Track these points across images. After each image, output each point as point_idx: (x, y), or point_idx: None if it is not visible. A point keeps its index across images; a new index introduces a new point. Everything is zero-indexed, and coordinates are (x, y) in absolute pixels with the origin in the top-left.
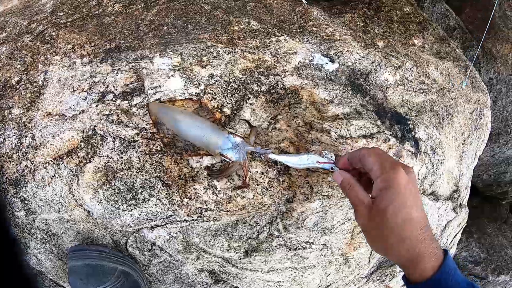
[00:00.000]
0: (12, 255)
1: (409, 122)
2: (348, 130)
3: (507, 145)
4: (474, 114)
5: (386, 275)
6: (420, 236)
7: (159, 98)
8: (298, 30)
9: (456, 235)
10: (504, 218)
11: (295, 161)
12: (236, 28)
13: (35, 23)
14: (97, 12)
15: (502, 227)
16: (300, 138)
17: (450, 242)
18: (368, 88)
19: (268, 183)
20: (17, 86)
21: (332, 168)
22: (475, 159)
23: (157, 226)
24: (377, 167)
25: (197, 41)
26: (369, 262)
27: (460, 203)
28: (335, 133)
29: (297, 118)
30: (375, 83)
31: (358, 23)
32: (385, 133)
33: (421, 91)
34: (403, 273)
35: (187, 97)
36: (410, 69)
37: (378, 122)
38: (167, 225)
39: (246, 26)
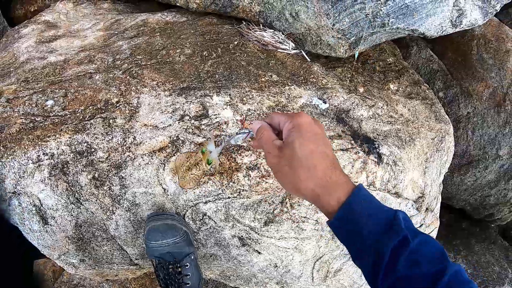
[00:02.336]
0: None
1: (375, 143)
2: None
3: (487, 170)
4: (436, 139)
5: None
6: (330, 167)
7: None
8: (303, 81)
9: None
10: (493, 240)
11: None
12: (263, 79)
13: (120, 61)
14: (168, 60)
15: (490, 247)
16: None
17: None
18: (348, 120)
19: None
20: (117, 105)
21: (250, 133)
22: (440, 175)
23: (210, 201)
24: (284, 117)
25: (239, 87)
26: None
27: (426, 208)
28: None
29: None
30: (353, 117)
31: (346, 74)
32: (357, 149)
33: (389, 122)
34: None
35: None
36: (381, 107)
37: (352, 142)
38: (216, 200)
39: (269, 78)
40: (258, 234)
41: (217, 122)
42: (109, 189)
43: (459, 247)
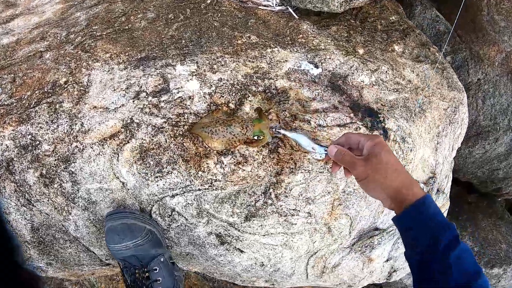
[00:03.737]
0: None
1: (380, 116)
2: (325, 120)
3: (497, 142)
4: (449, 110)
5: (366, 246)
6: (407, 172)
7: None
8: (290, 42)
9: None
10: (500, 214)
11: (298, 137)
12: (239, 41)
13: (73, 34)
14: (127, 27)
15: (497, 223)
16: (287, 126)
17: None
18: (346, 88)
19: (262, 159)
20: (65, 86)
21: (325, 150)
22: (452, 151)
23: (177, 194)
24: (363, 136)
25: (209, 53)
26: (349, 233)
27: (437, 189)
28: (314, 122)
29: (285, 111)
30: (352, 84)
31: (342, 33)
32: (357, 123)
33: (395, 90)
34: (390, 219)
35: (212, 110)
36: (386, 72)
37: (352, 115)
38: (184, 193)
39: (247, 40)
40: (239, 230)
41: (179, 98)
42: (60, 187)
43: (466, 223)
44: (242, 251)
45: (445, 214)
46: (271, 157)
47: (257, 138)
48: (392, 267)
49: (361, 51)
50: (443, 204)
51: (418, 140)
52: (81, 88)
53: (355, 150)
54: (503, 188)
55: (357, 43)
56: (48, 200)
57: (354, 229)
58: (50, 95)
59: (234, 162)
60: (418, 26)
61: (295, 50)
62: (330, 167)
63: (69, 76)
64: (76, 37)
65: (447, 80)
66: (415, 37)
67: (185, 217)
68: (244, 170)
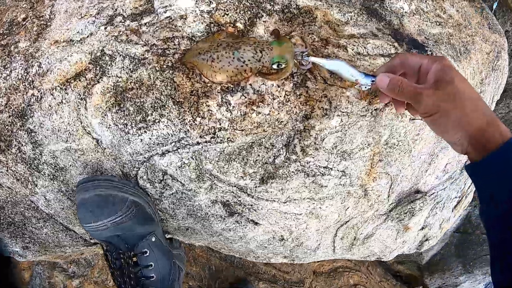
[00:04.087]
0: None
1: (426, 49)
2: (365, 48)
3: None
4: (491, 55)
5: (406, 213)
6: (487, 105)
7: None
8: None
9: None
10: None
11: (336, 66)
12: None
13: None
14: None
15: None
16: (317, 52)
17: (467, 190)
18: (384, 13)
19: (284, 97)
20: (24, 23)
21: (373, 80)
22: (492, 103)
23: (168, 151)
24: (426, 59)
25: None
26: (388, 196)
27: None
28: (352, 50)
29: (312, 34)
30: (391, 9)
31: None
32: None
33: (438, 23)
34: (464, 165)
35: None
36: (426, 1)
37: (396, 44)
38: (178, 150)
39: None
40: (252, 197)
41: (167, 18)
42: (18, 152)
43: None
44: (256, 223)
45: None
46: (297, 93)
47: (277, 66)
48: (424, 236)
49: None
50: None
51: None
52: (42, 22)
53: (412, 77)
54: None
55: None
56: (7, 170)
57: (393, 191)
58: (5, 36)
59: (246, 102)
60: None
61: None
62: (377, 102)
63: (29, 11)
64: None
65: (488, 21)
66: None
67: (181, 182)
68: (259, 113)
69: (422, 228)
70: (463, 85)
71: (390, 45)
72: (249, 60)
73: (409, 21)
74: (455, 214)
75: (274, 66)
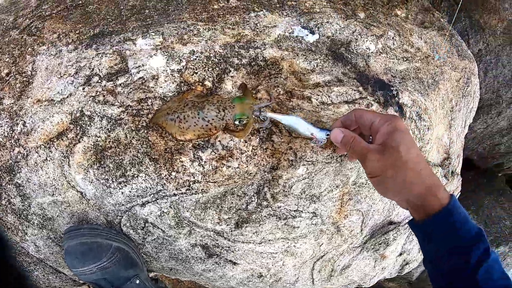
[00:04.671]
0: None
1: (392, 88)
2: (329, 96)
3: (500, 116)
4: (461, 82)
5: (380, 244)
6: (431, 170)
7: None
8: (278, 5)
9: None
10: (501, 190)
11: (292, 121)
12: (215, 6)
13: (21, 18)
14: (80, 2)
15: (499, 199)
16: (281, 106)
17: None
18: (349, 57)
19: (251, 151)
20: (7, 78)
21: (328, 134)
22: (465, 127)
23: (148, 202)
24: (378, 117)
25: (178, 21)
26: (361, 230)
27: (452, 171)
28: (316, 99)
29: (278, 87)
30: (357, 51)
31: None
32: (368, 99)
33: (405, 59)
34: (407, 220)
35: (180, 92)
36: (393, 38)
37: (360, 89)
38: (157, 200)
39: (225, 4)
40: (229, 240)
41: (140, 79)
42: (8, 204)
43: (468, 201)
44: (235, 263)
45: (457, 197)
46: (264, 147)
47: (239, 122)
48: (404, 260)
49: (362, 14)
50: (457, 186)
51: (434, 116)
52: (24, 79)
53: (367, 132)
54: (505, 163)
55: (356, 6)
56: None
57: (366, 225)
58: None
59: (216, 157)
60: None
61: (285, 13)
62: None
63: (12, 66)
64: (24, 21)
65: (457, 48)
66: (416, 1)
67: (161, 229)
68: (229, 166)
69: (400, 254)
70: (409, 151)
71: (354, 90)
72: (213, 119)
73: (375, 61)
74: None
75: (237, 123)
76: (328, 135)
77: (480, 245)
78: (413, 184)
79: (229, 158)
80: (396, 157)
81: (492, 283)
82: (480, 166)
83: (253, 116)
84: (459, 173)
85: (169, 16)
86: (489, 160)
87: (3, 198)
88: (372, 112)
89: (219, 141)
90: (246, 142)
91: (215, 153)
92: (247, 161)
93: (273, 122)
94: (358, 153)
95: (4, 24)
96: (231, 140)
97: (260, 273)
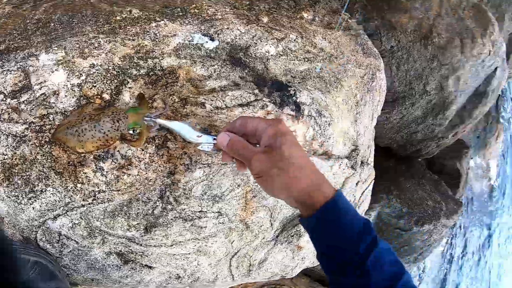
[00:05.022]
0: None
1: (289, 89)
2: (223, 101)
3: (414, 106)
4: (366, 78)
5: (293, 236)
6: (314, 167)
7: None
8: (181, 14)
9: (364, 191)
10: (421, 174)
11: (178, 127)
12: (118, 17)
13: None
14: None
15: (420, 182)
16: (176, 113)
17: (359, 199)
18: (248, 61)
19: (149, 158)
20: None
21: (214, 139)
22: (372, 119)
23: (59, 215)
24: (262, 123)
25: (80, 34)
26: (271, 225)
27: (361, 161)
28: (210, 105)
29: (173, 95)
30: (255, 55)
31: (243, 1)
32: (263, 100)
33: (306, 59)
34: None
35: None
36: (294, 40)
37: (256, 91)
38: (67, 212)
39: (128, 15)
40: (141, 245)
41: (42, 95)
42: None
43: (390, 187)
44: (151, 267)
45: (371, 186)
46: (160, 154)
47: (133, 131)
48: None
49: (265, 19)
50: (368, 175)
51: (336, 112)
52: None
53: (252, 137)
54: (422, 149)
55: (261, 11)
56: None
57: (275, 220)
58: None
59: (116, 166)
60: None
61: (187, 22)
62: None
63: None
64: None
65: (362, 46)
66: (325, 4)
67: (75, 240)
68: (130, 174)
69: None
70: (291, 151)
71: (250, 93)
72: (108, 131)
73: (275, 63)
74: None
75: (131, 132)
76: (214, 139)
77: (367, 237)
78: (297, 179)
79: (128, 166)
80: (280, 156)
81: (380, 268)
82: (399, 153)
83: (145, 125)
84: (371, 162)
85: (73, 29)
86: (408, 147)
87: None
88: (257, 118)
89: (118, 151)
90: (143, 150)
91: (115, 163)
92: (145, 168)
93: (168, 129)
94: (244, 156)
95: None
96: (129, 149)
97: (177, 274)
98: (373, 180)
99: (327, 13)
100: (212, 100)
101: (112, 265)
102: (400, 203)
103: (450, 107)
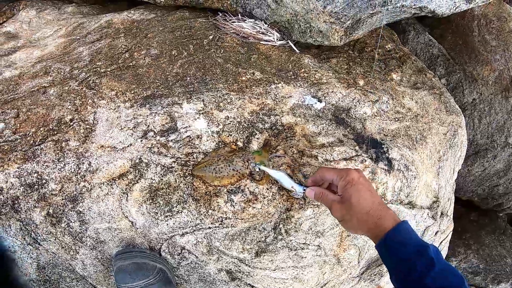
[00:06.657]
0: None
1: (383, 146)
2: (331, 155)
3: (495, 159)
4: (448, 134)
5: (375, 274)
6: (376, 207)
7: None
8: (293, 77)
9: (442, 241)
10: (503, 229)
11: (278, 176)
12: (244, 78)
13: (77, 70)
14: (131, 64)
15: (500, 238)
16: (295, 162)
17: None
18: (349, 121)
19: (271, 196)
20: (71, 123)
21: (304, 190)
22: (454, 173)
23: (187, 233)
24: (336, 175)
25: (215, 90)
26: (358, 262)
27: (441, 213)
28: (322, 157)
29: (292, 147)
30: (355, 116)
31: (342, 65)
32: (362, 156)
33: (396, 119)
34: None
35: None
36: (386, 102)
37: (357, 148)
38: (195, 232)
39: (251, 76)
40: (249, 266)
41: (187, 137)
42: (67, 226)
43: (469, 240)
44: (253, 286)
45: (449, 236)
46: (281, 193)
47: (259, 169)
48: None
49: (361, 82)
50: (447, 226)
51: (421, 166)
52: (87, 126)
53: (332, 185)
54: (504, 203)
55: (357, 74)
56: (55, 239)
57: (362, 258)
58: (55, 132)
59: (244, 200)
60: (412, 51)
61: (298, 85)
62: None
63: (74, 113)
64: (80, 73)
65: (445, 104)
66: (411, 63)
67: (195, 255)
68: (254, 207)
69: None
70: (358, 199)
71: (351, 149)
72: (240, 169)
73: (370, 123)
74: None
75: (257, 169)
76: (304, 189)
77: (425, 257)
78: (363, 223)
79: (254, 201)
80: (349, 205)
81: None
82: (481, 206)
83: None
84: (451, 214)
85: (207, 85)
86: (490, 201)
87: (63, 221)
88: (332, 170)
89: (248, 187)
90: (268, 189)
91: (244, 197)
92: (268, 203)
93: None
94: (326, 205)
95: (62, 73)
96: (256, 187)
97: None
98: (451, 232)
99: (413, 72)
100: (323, 154)
101: (221, 280)
102: (478, 258)
103: None
